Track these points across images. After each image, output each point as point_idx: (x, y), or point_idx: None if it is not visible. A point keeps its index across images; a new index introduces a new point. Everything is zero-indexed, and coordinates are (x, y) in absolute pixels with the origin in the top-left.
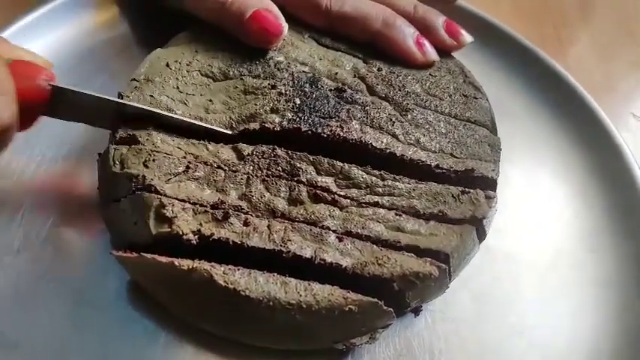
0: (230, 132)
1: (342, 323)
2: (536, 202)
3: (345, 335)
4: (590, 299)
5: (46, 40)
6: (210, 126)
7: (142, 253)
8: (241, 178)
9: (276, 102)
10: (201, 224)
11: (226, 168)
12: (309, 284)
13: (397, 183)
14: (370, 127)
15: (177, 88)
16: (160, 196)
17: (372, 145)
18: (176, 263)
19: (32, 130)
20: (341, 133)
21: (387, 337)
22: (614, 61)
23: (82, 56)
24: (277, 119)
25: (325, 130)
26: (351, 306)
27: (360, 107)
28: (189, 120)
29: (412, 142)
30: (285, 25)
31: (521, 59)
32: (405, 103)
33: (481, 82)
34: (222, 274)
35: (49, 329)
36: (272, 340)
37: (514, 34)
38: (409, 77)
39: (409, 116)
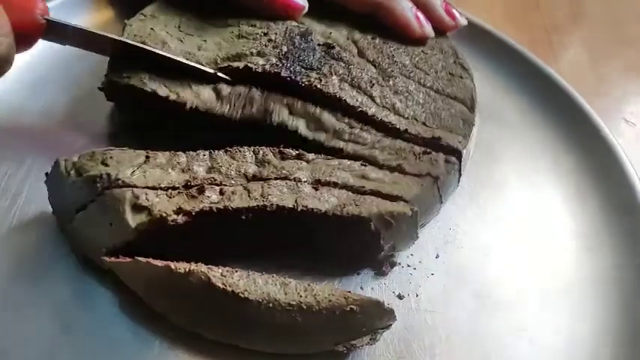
0: (212, 70)
1: (343, 324)
2: (533, 204)
3: (346, 336)
4: (589, 298)
5: (43, 42)
6: (193, 64)
7: (136, 257)
8: (204, 155)
9: (264, 47)
10: (179, 205)
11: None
12: (309, 285)
13: (364, 133)
14: (349, 84)
15: (179, 27)
16: (131, 188)
17: (346, 102)
18: (172, 267)
19: None
20: (318, 85)
21: (386, 339)
22: (606, 65)
23: (79, 57)
24: (261, 62)
25: (304, 80)
26: (352, 306)
27: (344, 65)
28: (172, 57)
29: (387, 105)
30: (306, 2)
31: (515, 64)
32: (389, 70)
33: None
34: (220, 276)
35: (39, 337)
36: (272, 344)
37: (507, 39)
38: (400, 50)
39: (391, 82)
